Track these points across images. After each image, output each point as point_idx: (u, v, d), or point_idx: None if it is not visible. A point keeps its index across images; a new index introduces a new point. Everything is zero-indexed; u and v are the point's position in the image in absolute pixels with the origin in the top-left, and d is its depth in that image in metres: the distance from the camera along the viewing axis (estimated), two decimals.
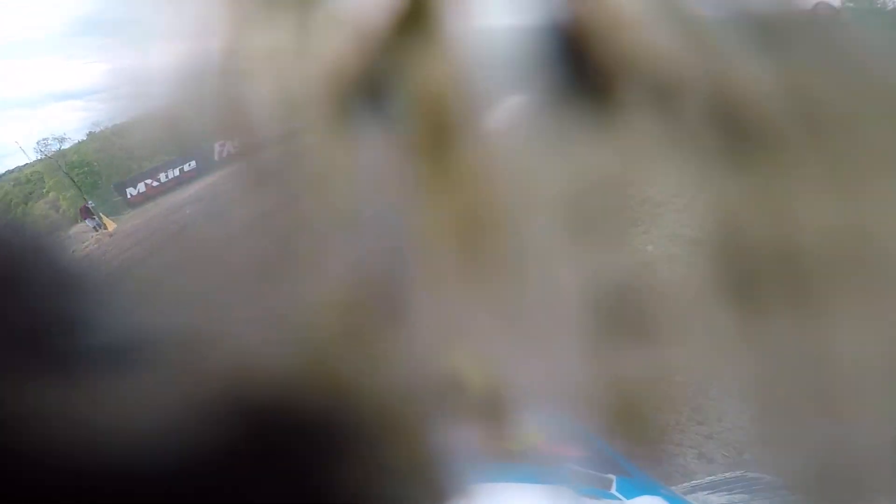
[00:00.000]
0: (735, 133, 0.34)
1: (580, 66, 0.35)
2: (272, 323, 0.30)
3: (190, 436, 0.20)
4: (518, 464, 0.70)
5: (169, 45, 0.36)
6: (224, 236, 0.38)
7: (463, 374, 0.37)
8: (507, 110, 0.36)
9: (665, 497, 0.81)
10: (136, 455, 0.18)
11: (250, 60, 0.35)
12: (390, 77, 0.34)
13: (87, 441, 0.18)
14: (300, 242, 0.35)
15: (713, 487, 1.00)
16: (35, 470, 0.16)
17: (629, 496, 0.80)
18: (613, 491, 0.81)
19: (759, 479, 0.96)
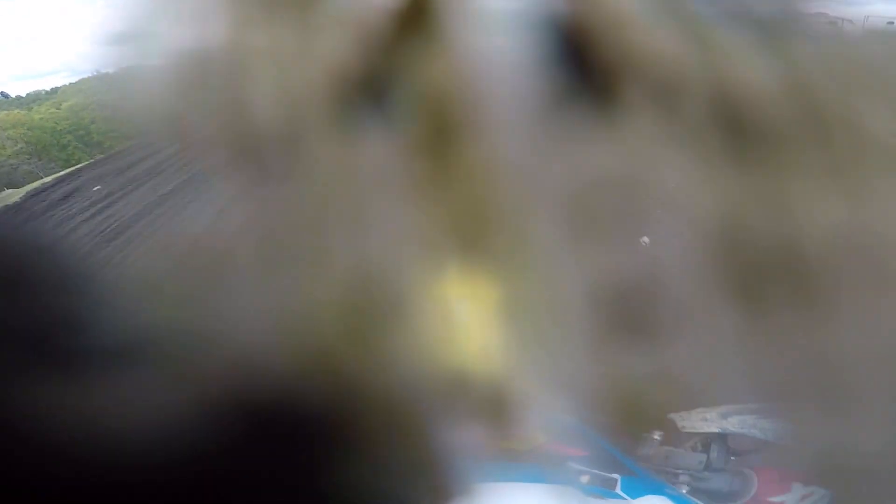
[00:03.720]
0: (738, 131, 0.34)
1: (583, 66, 0.35)
2: (275, 321, 0.30)
3: (194, 433, 0.20)
4: (522, 463, 0.69)
5: (172, 43, 0.36)
6: (226, 234, 0.38)
7: (467, 372, 0.37)
8: (510, 109, 0.36)
9: (670, 497, 0.81)
10: (140, 452, 0.18)
11: (253, 59, 0.35)
12: (393, 76, 0.34)
13: (92, 438, 0.17)
14: (303, 241, 0.35)
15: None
16: (40, 466, 0.16)
17: (634, 496, 0.80)
18: (618, 490, 0.81)
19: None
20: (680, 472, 0.89)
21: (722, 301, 0.36)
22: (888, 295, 0.34)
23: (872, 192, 0.34)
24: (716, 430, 0.85)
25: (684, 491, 0.88)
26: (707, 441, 0.88)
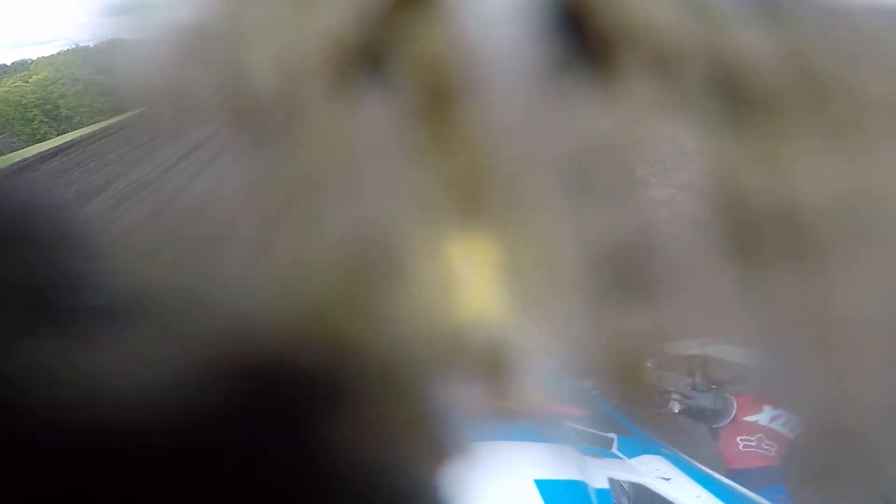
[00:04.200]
0: (736, 97, 0.34)
1: (580, 33, 0.34)
2: (272, 283, 0.30)
3: (189, 394, 0.20)
4: (519, 422, 0.70)
5: (168, 14, 0.36)
6: (223, 196, 0.38)
7: (464, 332, 0.37)
8: (508, 76, 0.36)
9: (666, 456, 0.82)
10: (136, 414, 0.18)
11: (250, 29, 0.34)
12: (390, 44, 0.34)
13: (87, 399, 0.18)
14: (300, 204, 0.35)
15: None
16: (34, 426, 0.17)
17: (630, 455, 0.81)
18: (614, 450, 0.82)
19: None
20: (671, 391, 1.00)
21: (720, 261, 0.36)
22: (886, 255, 0.35)
23: (870, 155, 0.34)
24: (697, 353, 0.97)
25: (676, 410, 1.00)
26: (692, 368, 1.00)
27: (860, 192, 0.34)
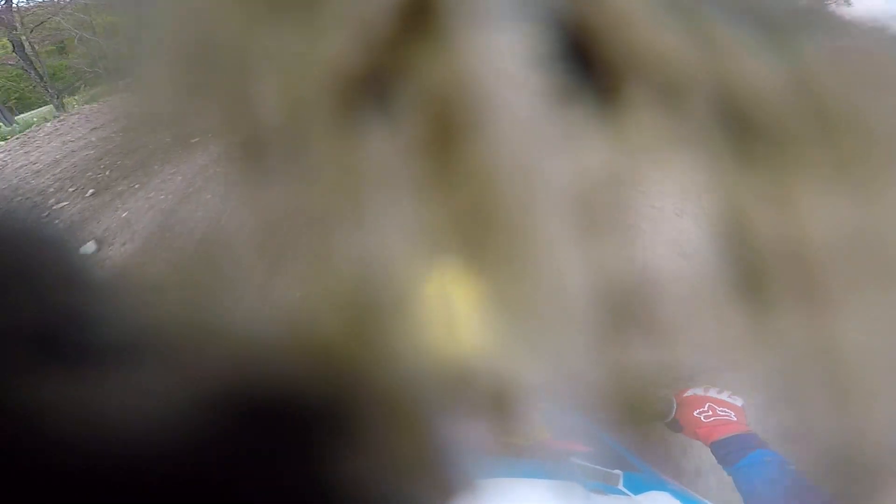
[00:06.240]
0: (743, 129, 0.34)
1: (587, 63, 0.35)
2: (277, 317, 0.30)
3: (196, 429, 0.20)
4: (525, 459, 0.70)
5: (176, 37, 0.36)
6: (228, 230, 0.38)
7: (469, 367, 0.37)
8: (514, 107, 0.36)
9: (672, 493, 0.81)
10: (143, 449, 0.18)
11: (257, 58, 0.35)
12: (396, 74, 0.34)
13: (93, 435, 0.18)
14: (305, 236, 0.35)
15: None
16: (41, 462, 0.16)
17: (636, 492, 0.80)
18: (621, 486, 0.81)
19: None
20: None
21: (727, 298, 0.36)
22: (893, 292, 0.34)
23: (879, 190, 0.34)
24: None
25: None
26: None
27: (868, 227, 0.34)
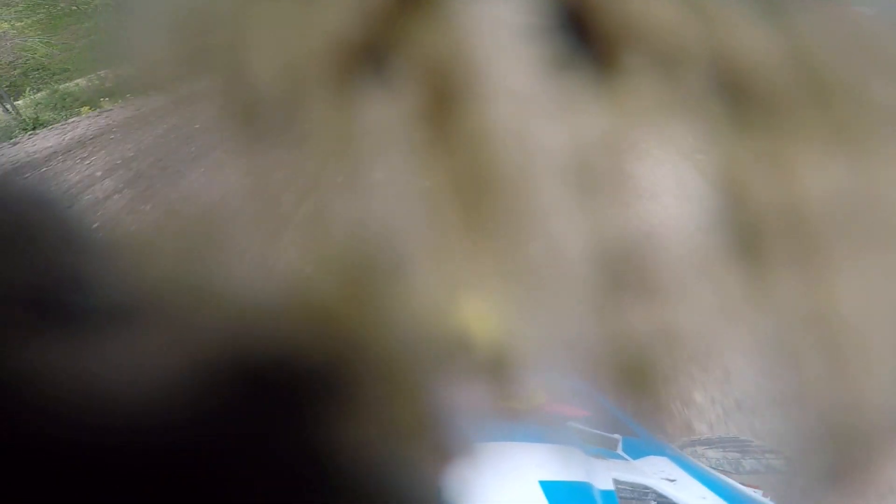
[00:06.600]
0: (739, 98, 0.34)
1: (583, 33, 0.34)
2: (276, 281, 0.30)
3: (193, 393, 0.20)
4: (523, 423, 0.70)
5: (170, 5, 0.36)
6: (227, 195, 0.38)
7: (468, 332, 0.37)
8: (511, 76, 0.36)
9: (671, 458, 0.82)
10: (140, 412, 0.18)
11: (254, 27, 0.35)
12: (393, 42, 0.34)
13: (91, 398, 0.18)
14: (302, 201, 0.35)
15: (709, 444, 1.04)
16: (39, 425, 0.17)
17: (635, 456, 0.81)
18: (619, 451, 0.82)
19: (750, 442, 1.02)
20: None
21: (724, 262, 0.36)
22: (890, 256, 0.34)
23: (874, 156, 0.34)
24: None
25: None
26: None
27: (864, 192, 0.34)
